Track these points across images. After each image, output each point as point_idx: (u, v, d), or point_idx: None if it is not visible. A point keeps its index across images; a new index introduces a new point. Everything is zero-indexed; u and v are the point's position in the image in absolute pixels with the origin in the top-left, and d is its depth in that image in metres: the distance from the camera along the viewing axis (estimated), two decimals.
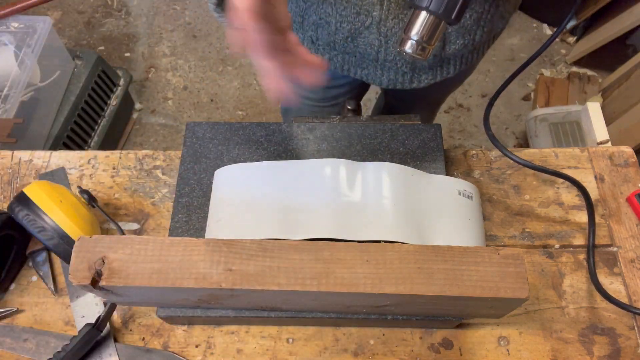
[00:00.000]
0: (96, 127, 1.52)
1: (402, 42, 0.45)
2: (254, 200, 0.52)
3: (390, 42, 0.64)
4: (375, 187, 0.52)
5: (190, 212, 0.56)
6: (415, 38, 0.44)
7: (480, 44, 0.70)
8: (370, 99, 1.80)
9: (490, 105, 0.58)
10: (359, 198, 0.51)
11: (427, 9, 0.42)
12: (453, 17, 0.42)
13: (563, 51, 1.88)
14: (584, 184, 0.64)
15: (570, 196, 0.64)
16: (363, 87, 0.91)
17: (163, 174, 0.66)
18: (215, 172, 0.56)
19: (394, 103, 1.06)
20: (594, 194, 0.64)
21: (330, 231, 0.49)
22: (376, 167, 0.53)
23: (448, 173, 0.63)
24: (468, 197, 0.55)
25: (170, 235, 0.55)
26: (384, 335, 0.55)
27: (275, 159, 0.58)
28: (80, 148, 1.45)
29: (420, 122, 0.61)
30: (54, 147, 1.32)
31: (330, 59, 0.72)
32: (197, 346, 0.55)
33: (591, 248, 0.58)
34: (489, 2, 0.61)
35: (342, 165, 0.53)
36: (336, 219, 0.50)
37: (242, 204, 0.52)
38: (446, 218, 0.52)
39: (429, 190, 0.54)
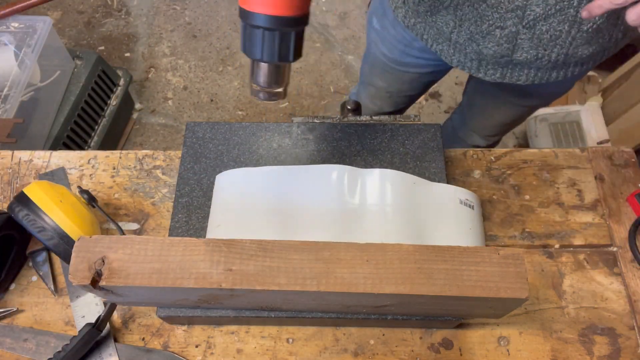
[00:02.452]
0: (96, 127, 1.52)
1: (253, 92, 0.44)
2: (254, 205, 0.52)
3: (464, 26, 0.65)
4: (377, 194, 0.52)
5: (190, 212, 0.56)
6: (263, 85, 0.43)
7: (563, 66, 0.69)
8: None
9: None
10: (360, 205, 0.51)
11: (262, 60, 0.41)
12: (289, 59, 0.41)
13: None
14: (584, 184, 0.65)
15: (570, 196, 0.64)
16: (435, 73, 0.90)
17: (163, 174, 0.66)
18: (217, 177, 0.56)
19: (472, 101, 1.03)
20: (593, 194, 0.64)
21: (330, 238, 0.49)
22: (378, 174, 0.53)
23: (448, 173, 0.63)
24: (469, 206, 0.55)
25: (170, 235, 0.55)
26: (384, 335, 0.55)
27: (275, 159, 0.58)
28: (80, 148, 1.45)
29: (420, 122, 0.61)
30: (54, 147, 1.32)
31: (415, 24, 0.74)
32: (197, 346, 0.55)
33: None
34: (569, 23, 0.59)
35: (343, 172, 0.53)
36: (337, 225, 0.50)
37: (243, 210, 0.52)
38: (447, 227, 0.52)
39: (431, 198, 0.54)
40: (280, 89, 0.43)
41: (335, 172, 0.53)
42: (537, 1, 0.57)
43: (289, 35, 0.40)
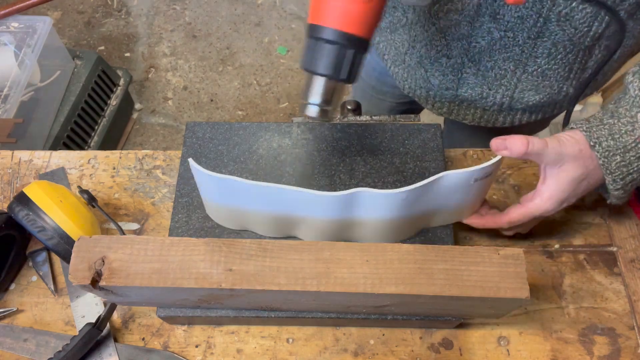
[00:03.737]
0: (96, 127, 1.52)
1: (304, 108, 0.45)
2: (246, 213, 0.51)
3: (416, 48, 0.65)
4: (381, 215, 0.47)
5: (190, 212, 0.56)
6: (315, 102, 0.44)
7: (509, 110, 0.67)
8: None
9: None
10: (360, 221, 0.48)
11: (316, 72, 0.43)
12: (344, 77, 0.42)
13: None
14: None
15: None
16: (412, 102, 0.86)
17: (163, 174, 0.66)
18: (189, 161, 0.46)
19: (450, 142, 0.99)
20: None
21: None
22: (374, 202, 0.45)
23: None
24: (486, 176, 0.48)
25: (170, 235, 0.55)
26: (384, 335, 0.55)
27: (275, 159, 0.58)
28: (80, 148, 1.45)
29: (420, 122, 0.61)
30: (54, 147, 1.32)
31: (378, 43, 0.74)
32: (197, 346, 0.55)
33: None
34: (514, 62, 0.59)
35: (343, 200, 0.45)
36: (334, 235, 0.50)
37: (235, 214, 0.52)
38: (453, 206, 0.50)
39: (439, 196, 0.48)
40: (329, 108, 0.44)
41: (334, 201, 0.45)
42: (482, 33, 0.57)
43: (359, 56, 0.42)
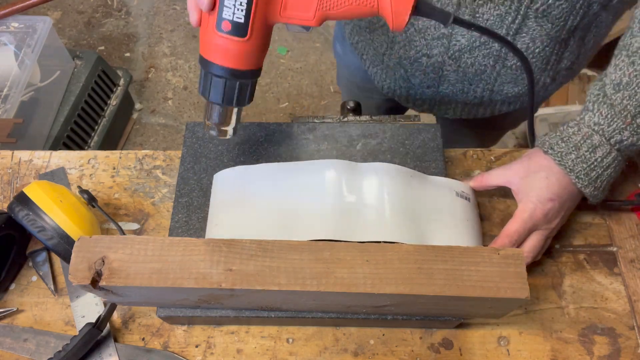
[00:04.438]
0: (96, 127, 1.52)
1: (205, 126, 0.50)
2: (252, 203, 0.52)
3: (395, 49, 0.65)
4: (374, 188, 0.52)
5: (190, 212, 0.56)
6: (213, 122, 0.49)
7: (489, 103, 0.69)
8: None
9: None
10: (357, 199, 0.51)
11: (209, 100, 0.47)
12: (233, 104, 0.47)
13: None
14: None
15: None
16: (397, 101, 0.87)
17: (163, 174, 0.66)
18: (214, 176, 0.56)
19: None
20: None
21: (328, 233, 0.49)
22: (374, 167, 0.53)
23: (448, 173, 0.63)
24: (466, 198, 0.55)
25: (170, 235, 0.55)
26: (384, 335, 0.55)
27: (275, 159, 0.58)
28: (80, 148, 1.45)
29: (420, 122, 0.61)
30: (54, 147, 1.32)
31: (357, 42, 0.74)
32: (197, 346, 0.55)
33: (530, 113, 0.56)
34: (493, 58, 0.60)
35: (340, 166, 0.53)
36: (335, 220, 0.50)
37: (240, 207, 0.52)
38: (444, 219, 0.52)
39: (427, 191, 0.54)
40: (227, 128, 0.49)
41: (332, 167, 0.53)
42: (462, 31, 0.58)
43: (246, 85, 0.46)
